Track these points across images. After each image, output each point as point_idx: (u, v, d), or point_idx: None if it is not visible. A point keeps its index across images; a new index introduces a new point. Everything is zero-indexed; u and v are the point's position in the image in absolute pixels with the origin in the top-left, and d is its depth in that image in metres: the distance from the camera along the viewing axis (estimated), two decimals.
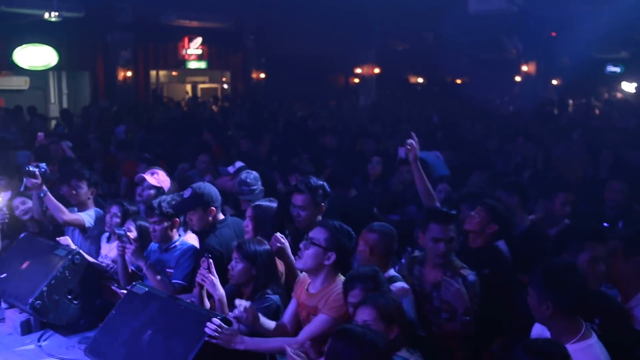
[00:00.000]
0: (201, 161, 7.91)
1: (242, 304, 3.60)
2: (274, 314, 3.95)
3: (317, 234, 3.80)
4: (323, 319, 3.63)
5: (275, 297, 4.00)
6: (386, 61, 21.95)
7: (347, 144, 10.27)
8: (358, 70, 22.25)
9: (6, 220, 5.95)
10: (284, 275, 4.26)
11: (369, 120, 13.58)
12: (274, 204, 4.69)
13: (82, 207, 5.85)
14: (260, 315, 3.71)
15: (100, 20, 17.19)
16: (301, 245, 3.83)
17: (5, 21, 15.21)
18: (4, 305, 5.39)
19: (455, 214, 4.19)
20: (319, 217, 4.61)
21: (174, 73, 22.60)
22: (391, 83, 22.72)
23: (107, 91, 18.26)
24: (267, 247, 4.11)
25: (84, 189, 5.81)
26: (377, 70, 22.10)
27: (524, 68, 19.99)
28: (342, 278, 3.77)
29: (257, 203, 4.77)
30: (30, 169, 5.60)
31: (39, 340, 4.88)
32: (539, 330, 3.31)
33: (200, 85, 23.69)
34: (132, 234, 4.92)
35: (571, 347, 2.93)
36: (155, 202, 4.92)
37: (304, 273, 3.96)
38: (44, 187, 5.61)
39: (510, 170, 8.39)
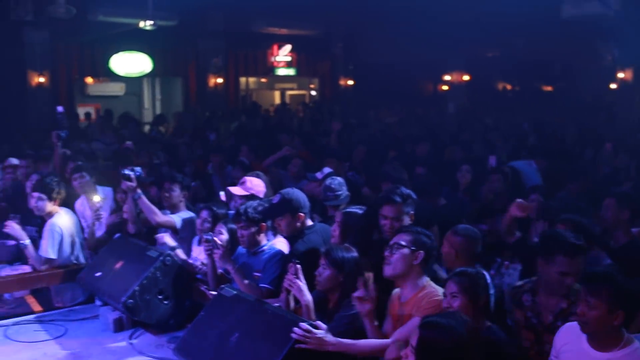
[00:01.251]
0: (294, 165, 7.97)
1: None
2: (361, 322, 3.92)
3: (401, 237, 3.84)
4: (417, 321, 3.58)
5: None
6: (475, 68, 21.58)
7: (435, 152, 10.14)
8: (447, 77, 21.96)
9: (100, 220, 6.16)
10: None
11: (458, 127, 13.39)
12: (363, 212, 4.65)
13: (174, 210, 6.00)
14: None
15: (192, 28, 17.62)
16: (386, 253, 3.81)
17: (103, 30, 15.82)
18: (98, 302, 5.59)
19: (584, 246, 3.69)
20: None
21: (263, 80, 22.92)
22: (480, 90, 22.31)
23: (198, 97, 18.69)
24: (355, 254, 4.09)
25: (177, 192, 5.96)
26: (466, 77, 21.76)
27: (620, 75, 19.23)
28: (429, 281, 3.79)
29: (347, 210, 4.75)
30: (126, 172, 5.79)
31: (130, 338, 5.02)
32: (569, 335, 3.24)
33: (289, 92, 23.94)
34: (222, 237, 4.99)
35: (618, 353, 2.97)
36: (242, 208, 4.98)
37: (396, 290, 3.94)
38: (139, 190, 5.79)
39: (598, 180, 8.05)
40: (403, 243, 3.80)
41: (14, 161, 8.04)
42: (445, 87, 22.57)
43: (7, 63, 14.38)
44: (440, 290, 3.71)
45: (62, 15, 14.75)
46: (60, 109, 9.45)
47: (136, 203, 5.89)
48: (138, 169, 5.93)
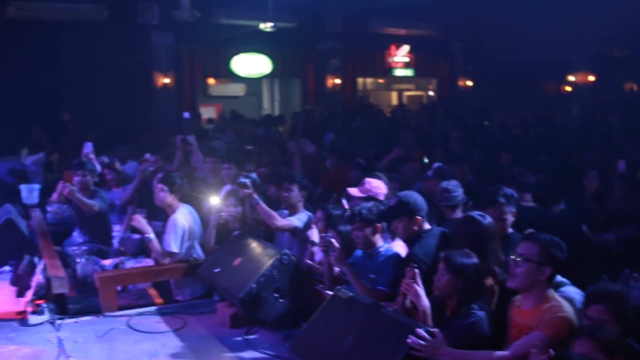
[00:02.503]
0: (408, 169, 7.86)
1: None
2: (479, 332, 3.80)
3: (528, 249, 3.62)
4: (538, 336, 3.42)
5: (481, 313, 3.83)
6: (602, 68, 20.61)
7: (559, 156, 9.73)
8: (571, 78, 21.09)
9: (222, 221, 6.30)
10: (496, 294, 4.09)
11: (584, 130, 12.81)
12: (486, 219, 4.47)
13: (292, 210, 6.05)
14: None
15: (311, 30, 17.82)
16: (511, 263, 3.65)
17: (225, 32, 16.26)
18: (216, 297, 5.72)
19: None
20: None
21: (380, 80, 22.86)
22: (607, 91, 21.28)
23: (316, 98, 18.87)
24: (475, 260, 3.96)
25: (295, 192, 6.01)
26: (591, 78, 20.82)
27: None
28: (554, 293, 3.58)
29: (467, 214, 4.61)
30: (242, 180, 5.91)
31: (246, 334, 5.10)
32: None
33: (406, 93, 23.76)
34: (335, 240, 4.98)
35: None
36: (356, 209, 4.96)
37: (517, 296, 3.80)
38: (255, 196, 5.89)
39: None
40: (528, 257, 3.61)
41: (150, 157, 8.38)
42: (568, 88, 21.69)
43: (134, 65, 15.03)
44: (565, 304, 3.52)
45: (187, 19, 15.30)
46: (186, 114, 9.77)
47: (254, 209, 5.99)
48: (254, 174, 6.06)
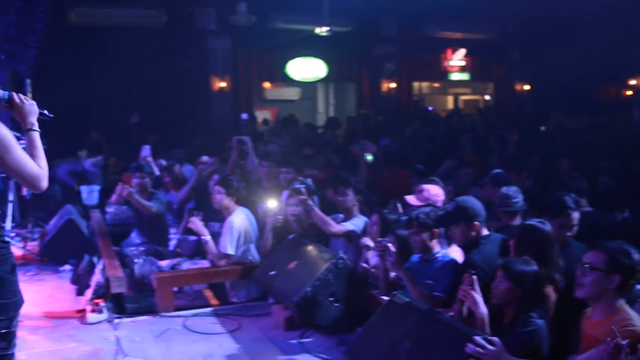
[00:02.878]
0: (464, 174, 7.76)
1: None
2: (538, 341, 3.71)
3: (594, 257, 3.49)
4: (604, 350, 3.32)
5: (540, 322, 3.73)
6: None
7: (620, 163, 9.45)
8: (632, 82, 20.53)
9: (278, 224, 6.32)
10: (554, 304, 3.99)
11: None
12: (545, 227, 4.37)
13: (347, 214, 6.03)
14: None
15: (366, 34, 17.77)
16: (578, 272, 3.55)
17: (281, 36, 16.36)
18: (271, 300, 5.75)
19: None
20: None
21: (436, 85, 22.68)
22: None
23: (371, 102, 18.82)
24: (535, 268, 3.87)
25: (350, 196, 5.98)
26: None
27: None
28: (624, 305, 3.44)
29: (526, 223, 4.51)
30: (296, 186, 5.93)
31: (300, 337, 5.11)
32: None
33: (462, 97, 23.50)
34: (392, 245, 4.94)
35: None
36: (414, 213, 4.91)
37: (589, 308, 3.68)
38: (310, 202, 5.89)
39: None
40: (595, 266, 3.47)
41: (207, 159, 8.48)
42: (629, 92, 21.13)
43: (192, 69, 15.23)
44: (635, 317, 3.40)
45: (243, 24, 15.45)
46: (244, 116, 9.83)
47: (309, 214, 5.99)
48: (309, 180, 6.05)
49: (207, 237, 6.18)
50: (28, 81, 10.97)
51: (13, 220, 8.89)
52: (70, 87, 12.78)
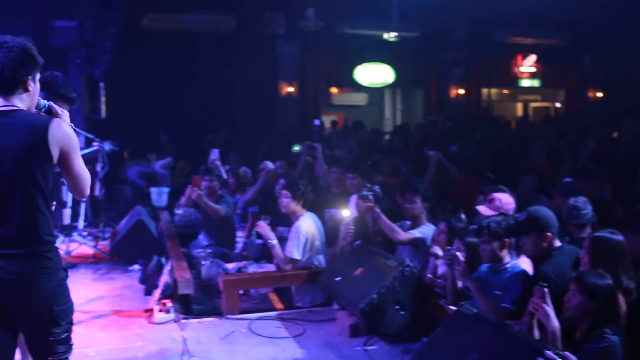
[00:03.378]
0: (526, 182, 7.54)
1: None
2: (611, 358, 3.57)
3: None
4: None
5: (615, 339, 3.59)
6: None
7: None
8: None
9: (351, 232, 6.30)
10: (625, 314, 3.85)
11: None
12: (617, 237, 4.23)
13: (415, 221, 5.96)
14: None
15: (435, 39, 17.59)
16: None
17: (349, 42, 16.36)
18: (336, 306, 5.73)
19: None
20: None
21: (505, 91, 22.30)
22: None
23: (439, 108, 18.63)
24: (610, 281, 3.73)
25: (418, 204, 5.91)
26: None
27: None
28: None
29: (596, 234, 4.37)
30: (364, 192, 5.89)
31: (364, 345, 5.08)
32: None
33: (532, 104, 23.03)
34: (461, 254, 4.85)
35: None
36: (485, 222, 4.82)
37: None
38: (377, 209, 5.85)
39: None
40: None
41: (269, 165, 8.53)
42: None
43: (261, 73, 15.37)
44: None
45: (312, 29, 15.52)
46: (317, 122, 9.87)
47: (375, 221, 5.95)
48: (376, 187, 6.01)
49: (274, 241, 6.21)
50: (102, 85, 11.29)
51: (85, 220, 9.16)
52: (141, 91, 13.09)
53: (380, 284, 5.02)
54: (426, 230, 5.85)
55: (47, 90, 4.15)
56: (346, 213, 6.36)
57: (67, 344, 3.06)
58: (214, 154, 8.98)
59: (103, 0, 9.47)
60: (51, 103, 3.17)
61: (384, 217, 5.82)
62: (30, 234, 2.90)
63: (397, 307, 5.02)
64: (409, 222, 6.03)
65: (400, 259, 5.37)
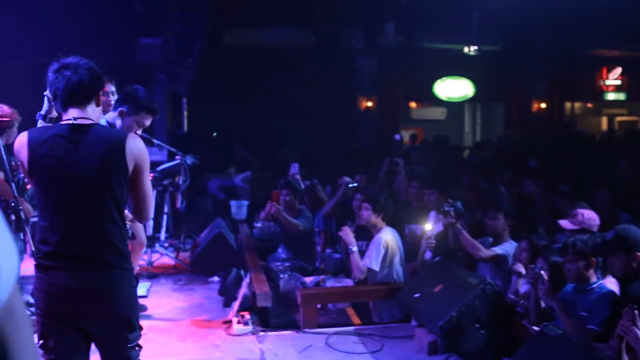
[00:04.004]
0: (598, 196, 7.24)
1: None
2: None
3: None
4: None
5: None
6: None
7: None
8: None
9: (432, 246, 6.23)
10: None
11: None
12: None
13: (497, 238, 5.83)
14: None
15: (516, 52, 17.27)
16: None
17: (428, 56, 16.25)
18: (414, 322, 5.66)
19: None
20: None
21: (589, 105, 21.67)
22: None
23: (520, 122, 18.26)
24: None
25: (501, 221, 5.78)
26: None
27: None
28: None
29: None
30: (445, 208, 5.81)
31: None
32: None
33: (618, 118, 22.28)
34: (545, 273, 4.71)
35: None
36: (570, 240, 4.66)
37: None
38: (458, 225, 5.75)
39: None
40: None
41: (347, 179, 8.53)
42: None
43: (339, 88, 15.43)
44: None
45: (391, 44, 15.48)
46: (397, 136, 9.82)
47: (456, 237, 5.86)
48: (458, 203, 5.91)
49: (354, 248, 6.20)
50: (184, 100, 11.58)
51: (167, 231, 9.37)
52: (222, 106, 13.36)
53: (460, 301, 4.92)
54: (509, 247, 5.71)
55: (130, 103, 4.28)
56: (428, 227, 6.28)
57: (139, 348, 3.13)
58: (294, 168, 9.04)
59: (187, 18, 9.73)
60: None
61: (465, 233, 5.72)
62: (108, 246, 2.97)
63: (477, 325, 4.92)
64: (490, 239, 5.90)
65: (481, 277, 5.26)
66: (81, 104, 3.02)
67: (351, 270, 6.39)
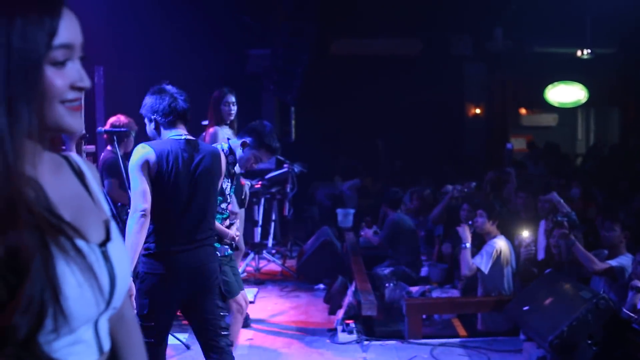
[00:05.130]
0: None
1: None
2: None
3: None
4: None
5: None
6: None
7: None
8: None
9: (531, 255, 6.07)
10: None
11: None
12: None
13: (613, 251, 5.57)
14: None
15: (634, 55, 16.49)
16: None
17: (538, 61, 15.78)
18: (522, 336, 5.50)
19: None
20: None
21: None
22: None
23: (637, 128, 17.42)
24: None
25: (617, 232, 5.53)
26: None
27: None
28: None
29: None
30: (559, 218, 5.66)
31: None
32: None
33: None
34: None
35: None
36: None
37: None
38: (572, 237, 5.57)
39: None
40: None
41: (449, 188, 8.44)
42: None
43: (447, 95, 15.24)
44: None
45: (499, 49, 15.14)
46: (509, 145, 9.64)
47: (569, 249, 5.66)
48: (573, 213, 5.72)
49: (468, 244, 6.16)
50: (292, 109, 11.76)
51: (274, 238, 9.53)
52: (329, 115, 13.47)
53: (571, 316, 4.75)
54: (625, 260, 5.45)
55: (254, 137, 4.37)
56: (525, 234, 6.13)
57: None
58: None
59: (295, 28, 9.88)
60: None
61: (579, 245, 5.51)
62: (212, 229, 3.73)
63: (589, 341, 4.72)
64: (606, 251, 5.66)
65: (594, 291, 5.05)
66: (185, 123, 3.71)
67: (459, 268, 6.33)
